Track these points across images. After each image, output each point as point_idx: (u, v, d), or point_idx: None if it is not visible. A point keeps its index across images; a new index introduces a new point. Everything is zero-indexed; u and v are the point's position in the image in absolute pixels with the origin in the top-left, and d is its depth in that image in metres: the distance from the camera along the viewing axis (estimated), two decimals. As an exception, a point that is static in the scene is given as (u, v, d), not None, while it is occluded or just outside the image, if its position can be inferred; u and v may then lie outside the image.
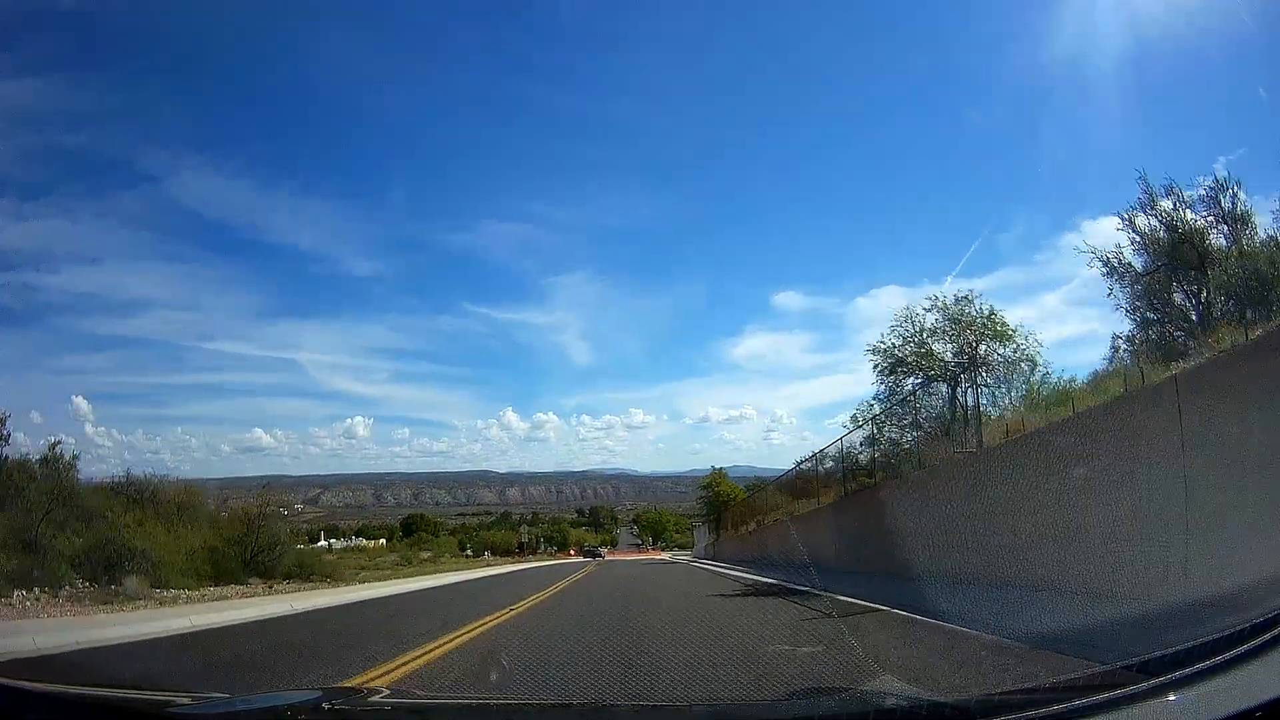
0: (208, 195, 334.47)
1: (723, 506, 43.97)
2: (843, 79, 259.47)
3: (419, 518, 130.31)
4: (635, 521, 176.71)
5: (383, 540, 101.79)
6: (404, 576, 26.89)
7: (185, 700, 2.20)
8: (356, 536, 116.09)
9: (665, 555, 79.83)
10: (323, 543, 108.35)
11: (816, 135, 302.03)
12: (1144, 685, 1.59)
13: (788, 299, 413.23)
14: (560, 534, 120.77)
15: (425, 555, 53.49)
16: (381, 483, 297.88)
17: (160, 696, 2.24)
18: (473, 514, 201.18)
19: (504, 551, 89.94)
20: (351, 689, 3.96)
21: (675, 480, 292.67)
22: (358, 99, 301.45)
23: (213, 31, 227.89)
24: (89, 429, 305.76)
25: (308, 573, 21.28)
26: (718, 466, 52.55)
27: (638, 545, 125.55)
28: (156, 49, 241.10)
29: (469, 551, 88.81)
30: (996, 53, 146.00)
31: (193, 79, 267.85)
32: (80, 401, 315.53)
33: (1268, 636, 1.53)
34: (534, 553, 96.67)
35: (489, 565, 41.21)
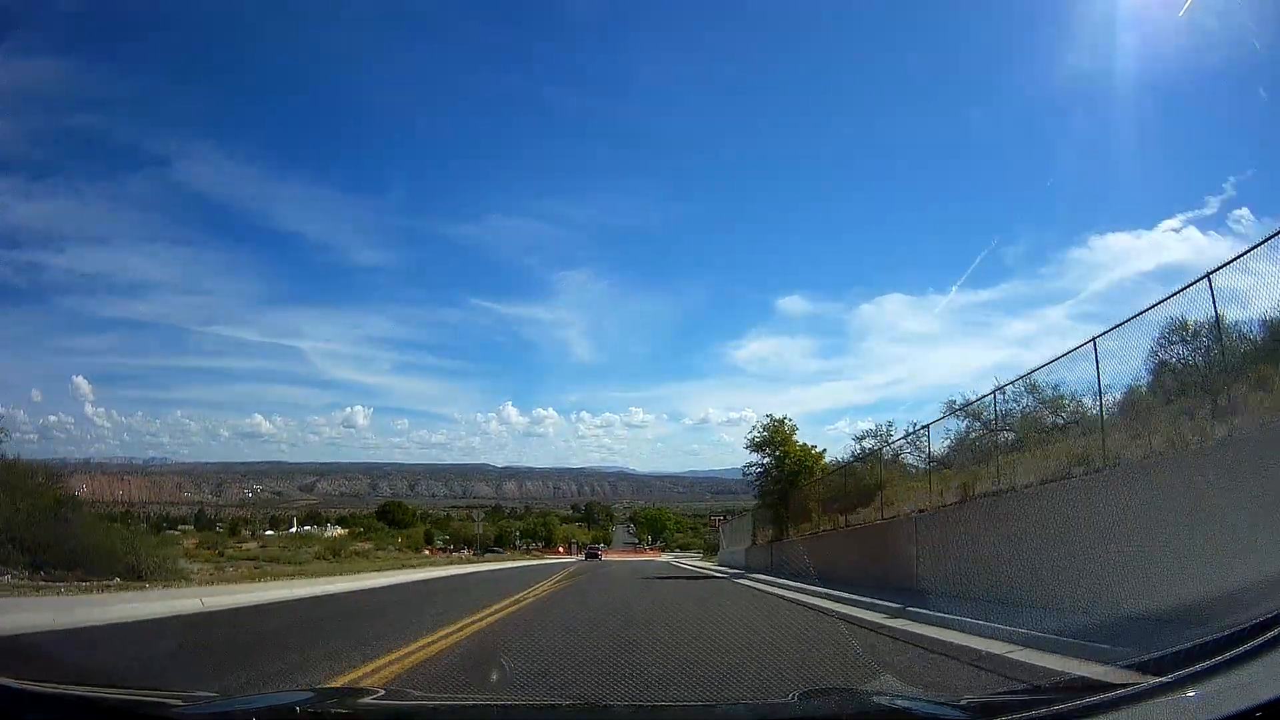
0: (216, 180, 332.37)
1: (788, 483, 26.32)
2: (852, 86, 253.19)
3: (396, 506, 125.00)
4: (633, 519, 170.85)
5: (360, 529, 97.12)
6: (285, 577, 20.34)
7: (177, 701, 2.18)
8: (333, 525, 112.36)
9: (666, 557, 73.12)
10: (297, 529, 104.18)
11: (825, 142, 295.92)
12: (1145, 685, 1.59)
13: (792, 303, 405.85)
14: (546, 528, 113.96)
15: (361, 547, 46.91)
16: (378, 473, 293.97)
17: (157, 697, 2.26)
18: (467, 507, 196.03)
19: (484, 546, 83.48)
20: (347, 689, 4.12)
21: (674, 480, 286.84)
22: (369, 92, 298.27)
23: (225, 20, 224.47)
24: (89, 409, 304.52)
25: (96, 564, 15.06)
26: (778, 416, 28.41)
27: (634, 544, 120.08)
28: (168, 34, 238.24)
29: (441, 544, 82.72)
30: (1008, 63, 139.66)
31: (203, 66, 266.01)
32: (81, 381, 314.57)
33: (1268, 636, 1.53)
34: (509, 549, 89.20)
35: (425, 566, 34.49)
